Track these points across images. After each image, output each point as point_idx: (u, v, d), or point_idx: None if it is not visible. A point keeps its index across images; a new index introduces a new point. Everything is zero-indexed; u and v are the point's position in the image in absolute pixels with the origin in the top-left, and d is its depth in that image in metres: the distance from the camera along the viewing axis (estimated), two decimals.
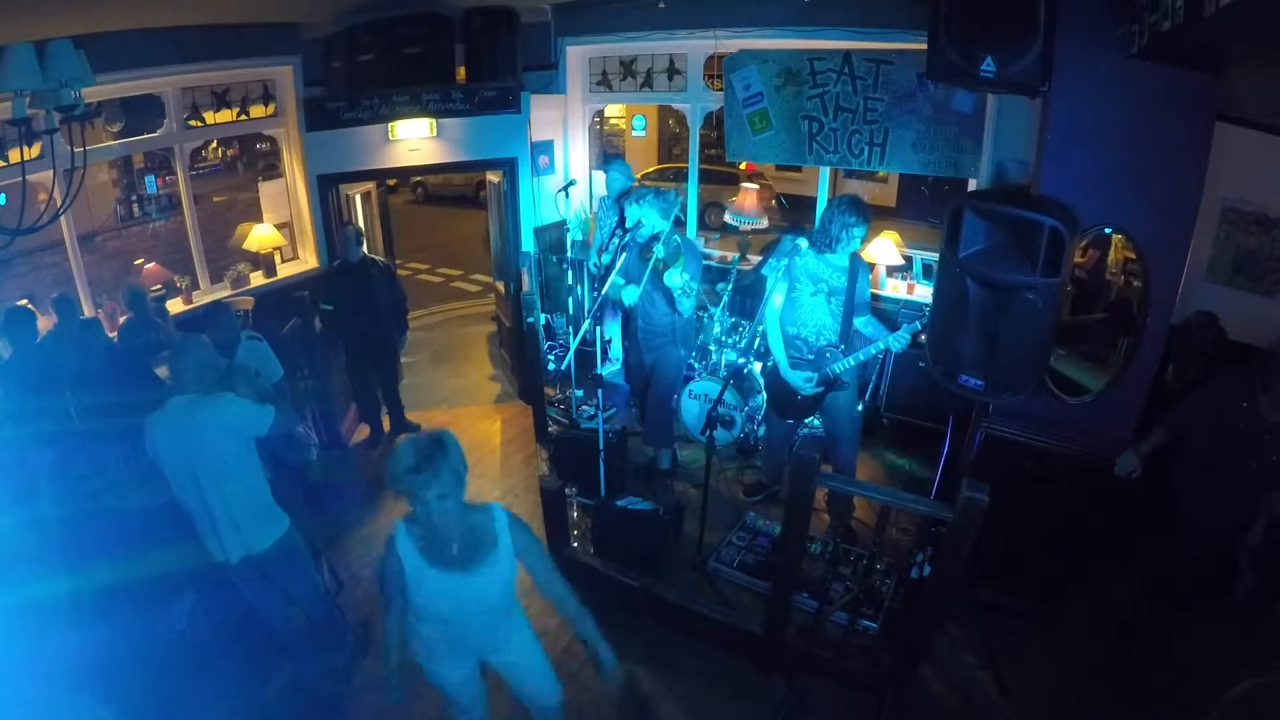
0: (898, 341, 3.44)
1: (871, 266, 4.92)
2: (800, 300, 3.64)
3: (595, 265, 5.10)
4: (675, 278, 3.69)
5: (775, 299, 3.68)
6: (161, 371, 4.48)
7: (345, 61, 5.31)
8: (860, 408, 3.91)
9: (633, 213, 3.93)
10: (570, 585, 2.24)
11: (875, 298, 4.62)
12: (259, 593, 2.96)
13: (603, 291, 4.10)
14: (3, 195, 4.80)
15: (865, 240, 3.66)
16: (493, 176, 5.99)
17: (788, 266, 3.61)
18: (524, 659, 2.40)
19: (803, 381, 3.64)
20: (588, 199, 6.20)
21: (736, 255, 5.51)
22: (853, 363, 3.57)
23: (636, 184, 5.09)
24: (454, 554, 2.05)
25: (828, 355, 3.61)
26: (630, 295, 4.01)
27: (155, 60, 4.60)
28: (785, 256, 3.63)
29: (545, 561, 2.22)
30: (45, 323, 4.59)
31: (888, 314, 4.69)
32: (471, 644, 2.28)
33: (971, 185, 4.67)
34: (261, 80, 5.31)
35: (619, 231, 4.63)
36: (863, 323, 3.64)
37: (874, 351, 3.59)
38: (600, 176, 5.54)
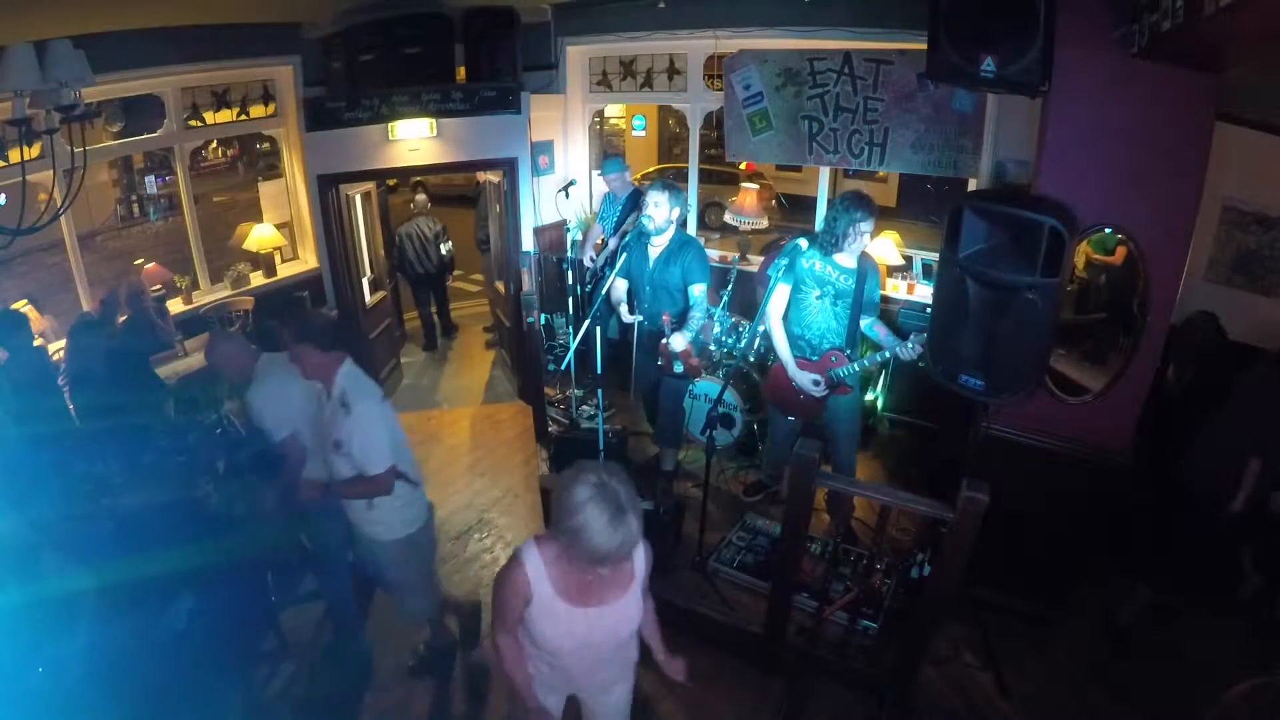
0: (906, 351, 3.37)
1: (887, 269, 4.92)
2: (804, 303, 3.62)
3: (591, 260, 5.18)
4: (696, 289, 3.83)
5: (776, 299, 3.66)
6: (163, 371, 4.50)
7: (345, 61, 5.31)
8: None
9: (652, 197, 3.91)
10: None
11: (884, 299, 4.60)
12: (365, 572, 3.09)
13: (603, 290, 4.10)
14: (3, 195, 4.80)
15: (871, 235, 3.64)
16: (492, 177, 5.99)
17: (790, 266, 3.60)
18: (621, 704, 2.19)
19: (810, 384, 3.64)
20: (587, 199, 6.20)
21: (736, 255, 5.52)
22: (858, 369, 3.56)
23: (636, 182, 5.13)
24: (592, 588, 1.83)
25: (833, 360, 3.60)
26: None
27: (155, 60, 4.60)
28: (788, 256, 3.63)
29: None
30: (45, 323, 4.59)
31: (888, 314, 4.68)
32: (576, 681, 2.06)
33: (971, 185, 4.66)
34: (261, 80, 5.31)
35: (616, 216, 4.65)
36: (869, 325, 3.58)
37: (880, 359, 3.57)
38: (600, 179, 5.52)
